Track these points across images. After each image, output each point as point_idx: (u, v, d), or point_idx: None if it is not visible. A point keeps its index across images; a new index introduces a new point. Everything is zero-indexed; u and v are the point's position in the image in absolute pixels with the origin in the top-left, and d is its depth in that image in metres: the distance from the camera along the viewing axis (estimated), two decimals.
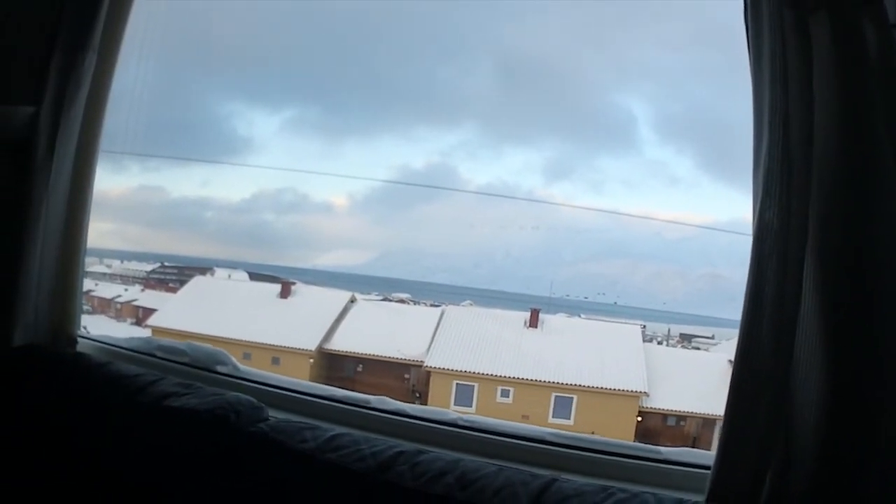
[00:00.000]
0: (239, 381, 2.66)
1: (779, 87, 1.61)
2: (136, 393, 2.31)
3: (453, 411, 2.39)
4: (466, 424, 2.31)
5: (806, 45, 1.60)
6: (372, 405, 2.45)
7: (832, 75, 1.58)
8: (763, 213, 1.62)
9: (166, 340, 2.99)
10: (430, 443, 2.15)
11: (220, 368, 2.74)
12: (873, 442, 1.56)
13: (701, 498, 1.70)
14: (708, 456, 1.76)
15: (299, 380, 2.71)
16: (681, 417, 8.89)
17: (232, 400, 2.22)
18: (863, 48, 1.56)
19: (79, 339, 2.91)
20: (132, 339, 3.02)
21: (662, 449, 2.13)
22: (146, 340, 3.02)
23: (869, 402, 1.56)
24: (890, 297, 1.54)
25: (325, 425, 2.13)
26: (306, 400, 2.54)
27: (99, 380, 2.44)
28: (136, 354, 2.90)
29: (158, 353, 2.88)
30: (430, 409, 2.43)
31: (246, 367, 2.77)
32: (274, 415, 2.27)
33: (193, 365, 2.78)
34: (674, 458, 2.09)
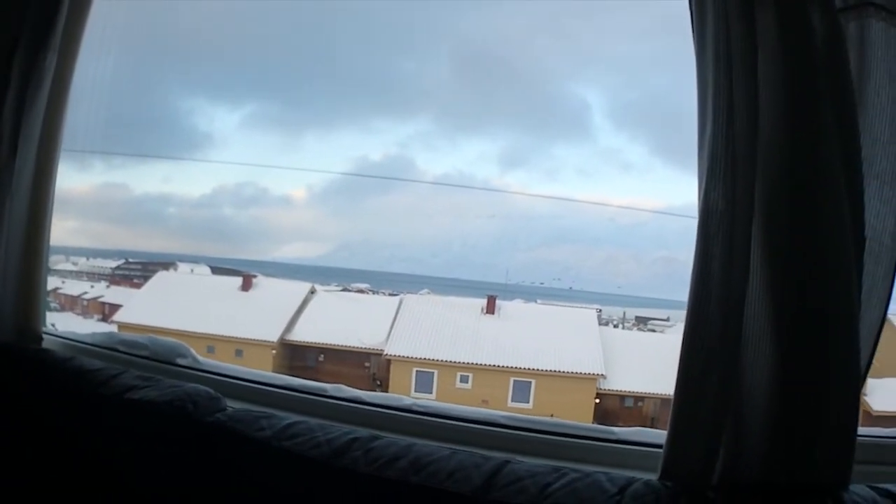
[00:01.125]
0: (198, 373, 2.66)
1: (722, 71, 1.62)
2: (99, 386, 2.31)
3: (409, 397, 2.39)
4: (421, 410, 2.32)
5: (751, 31, 1.61)
6: (329, 393, 2.45)
7: (777, 61, 1.60)
8: (708, 193, 1.63)
9: (128, 335, 2.99)
10: (385, 429, 2.15)
11: (180, 361, 2.73)
12: (822, 418, 1.58)
13: (655, 476, 1.71)
14: (661, 435, 1.74)
15: (257, 370, 2.72)
16: (638, 398, 8.96)
17: (190, 391, 2.22)
18: (809, 34, 1.57)
19: (44, 336, 2.90)
20: (95, 334, 3.01)
21: (616, 429, 2.15)
22: (109, 335, 3.00)
23: (817, 380, 1.58)
24: (835, 275, 1.57)
25: (281, 414, 2.13)
26: (264, 390, 2.54)
27: (63, 374, 2.43)
28: (99, 349, 2.89)
29: (121, 348, 2.87)
30: (386, 396, 2.43)
31: (206, 359, 2.77)
32: (232, 405, 2.27)
33: (154, 358, 2.78)
34: (628, 437, 2.11)
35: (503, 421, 2.24)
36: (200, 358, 2.77)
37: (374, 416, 2.33)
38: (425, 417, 2.29)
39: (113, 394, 2.26)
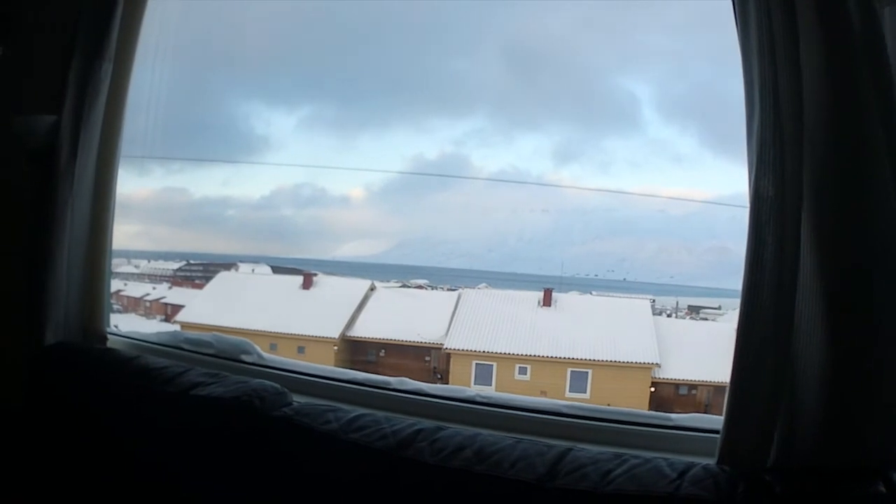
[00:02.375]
0: (264, 369, 2.66)
1: (766, 61, 1.62)
2: (165, 384, 2.32)
3: (471, 389, 2.38)
4: (484, 400, 2.31)
5: (792, 21, 1.59)
6: (392, 386, 2.45)
7: (818, 48, 1.58)
8: (758, 181, 1.62)
9: (192, 333, 3.02)
10: (449, 420, 2.14)
11: (245, 358, 2.74)
12: (873, 398, 1.57)
13: (712, 460, 1.70)
14: (717, 421, 1.74)
15: (322, 365, 2.72)
16: (692, 386, 8.85)
17: (256, 386, 2.22)
18: (847, 21, 1.55)
19: (109, 336, 2.94)
20: (160, 333, 3.04)
21: (673, 416, 2.13)
22: (173, 334, 3.04)
23: (868, 361, 1.56)
24: (883, 259, 1.55)
25: (347, 407, 2.14)
26: (329, 384, 2.54)
27: (128, 373, 2.46)
28: (163, 348, 2.92)
29: (185, 346, 2.90)
30: (449, 388, 2.41)
31: (270, 356, 2.77)
32: (298, 399, 2.27)
33: (219, 356, 2.79)
34: (685, 423, 2.09)
35: (565, 410, 2.22)
36: (265, 354, 2.77)
37: (438, 407, 2.32)
38: (488, 408, 2.28)
39: (179, 391, 2.28)
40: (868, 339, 1.56)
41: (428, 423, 1.98)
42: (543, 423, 2.19)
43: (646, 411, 2.17)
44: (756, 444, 1.64)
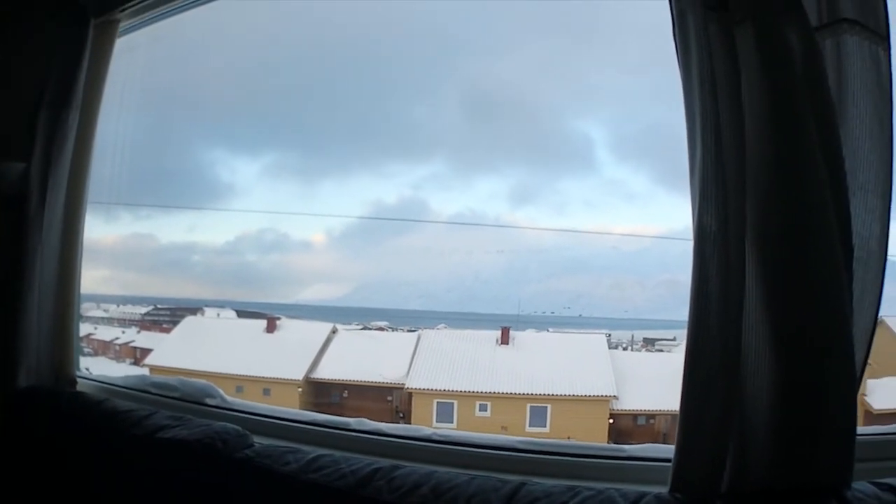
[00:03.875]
0: (227, 412, 2.67)
1: (708, 96, 1.64)
2: (132, 426, 2.33)
3: (429, 428, 2.39)
4: (440, 439, 2.31)
5: (732, 56, 1.63)
6: (352, 427, 2.45)
7: (760, 82, 1.60)
8: (702, 216, 1.65)
9: (159, 377, 3.02)
10: (406, 458, 2.14)
11: (209, 401, 2.75)
12: (822, 420, 1.57)
13: (666, 489, 1.70)
14: (671, 450, 1.73)
15: (283, 408, 2.72)
16: (650, 416, 8.94)
17: (219, 429, 2.22)
18: (788, 54, 1.58)
19: (78, 380, 2.95)
20: (128, 377, 3.04)
21: (627, 447, 2.13)
22: (141, 378, 3.03)
23: (816, 386, 1.57)
24: (826, 285, 1.56)
25: (307, 448, 2.13)
26: (290, 426, 2.55)
27: (97, 416, 2.46)
28: (131, 391, 2.92)
29: (152, 389, 2.90)
30: (406, 427, 2.41)
31: (233, 399, 2.78)
32: (259, 441, 2.27)
33: (184, 399, 2.79)
34: (638, 454, 2.09)
35: (519, 445, 2.23)
36: (228, 397, 2.78)
37: (396, 446, 2.33)
38: (444, 446, 2.28)
39: (145, 434, 2.28)
40: (814, 362, 1.57)
41: (385, 462, 1.98)
42: (499, 458, 2.20)
43: (599, 444, 2.19)
44: (708, 471, 1.64)
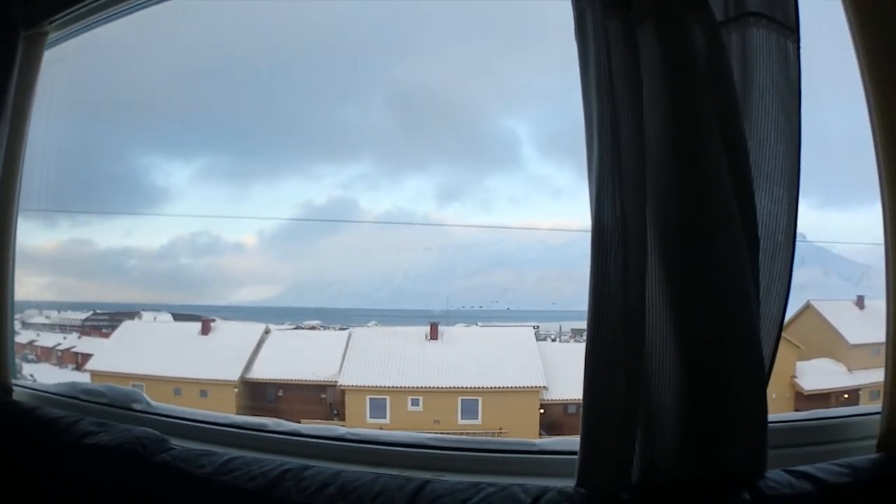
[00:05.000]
0: (151, 416, 2.69)
1: (605, 96, 1.64)
2: (61, 433, 2.35)
3: (342, 427, 2.44)
4: (353, 437, 2.35)
5: (633, 54, 1.63)
6: (268, 428, 2.48)
7: (660, 80, 1.62)
8: (599, 215, 1.65)
9: (89, 384, 3.05)
10: (319, 458, 2.19)
11: (135, 406, 2.76)
12: (729, 412, 1.60)
13: (573, 483, 1.71)
14: (576, 442, 1.72)
15: (203, 410, 2.74)
16: (580, 405, 9.05)
17: (139, 434, 2.26)
18: (691, 50, 1.60)
19: (14, 388, 2.93)
20: (60, 384, 3.05)
21: (537, 441, 2.17)
22: (72, 385, 3.03)
23: (721, 377, 1.60)
24: (729, 278, 1.59)
25: (221, 450, 2.16)
26: (209, 428, 2.57)
27: (29, 423, 2.48)
28: (63, 398, 2.92)
29: (82, 396, 2.90)
30: (321, 427, 2.46)
31: (157, 403, 2.80)
32: (179, 444, 2.29)
33: (112, 404, 2.80)
34: (548, 447, 2.13)
35: (430, 442, 2.26)
36: (153, 402, 2.80)
37: (309, 446, 2.36)
38: (355, 444, 2.32)
39: (72, 440, 2.30)
40: (718, 353, 1.59)
41: (294, 463, 2.01)
42: (407, 455, 2.23)
43: (509, 439, 2.23)
44: (616, 465, 1.64)
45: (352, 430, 2.39)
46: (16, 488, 2.34)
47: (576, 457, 1.76)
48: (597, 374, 1.65)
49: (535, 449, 2.14)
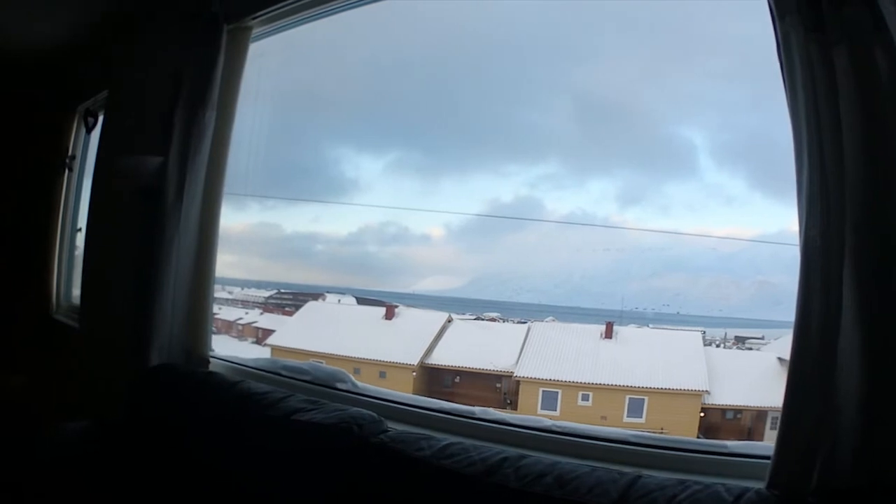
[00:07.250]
0: (358, 397, 2.70)
1: (812, 115, 1.62)
2: (267, 408, 2.37)
3: (548, 419, 2.39)
4: (560, 430, 2.30)
5: (832, 76, 1.59)
6: (477, 415, 2.46)
7: (854, 102, 1.57)
8: (808, 231, 1.63)
9: (290, 360, 3.05)
10: (529, 447, 2.16)
11: (339, 385, 2.77)
12: None
13: (762, 484, 1.69)
14: (766, 447, 1.78)
15: (411, 394, 2.78)
16: (738, 411, 8.73)
17: (354, 414, 2.26)
18: (878, 72, 1.55)
19: (211, 360, 3.01)
20: (259, 359, 3.10)
21: (728, 443, 2.11)
22: (272, 361, 3.09)
23: None
24: None
25: (438, 435, 2.16)
26: (418, 412, 2.56)
27: (231, 396, 2.51)
28: (263, 373, 2.97)
29: (283, 372, 2.94)
30: (527, 418, 2.42)
31: (363, 384, 2.81)
32: (392, 426, 2.30)
33: (315, 382, 2.82)
34: (738, 450, 2.06)
35: (631, 439, 2.22)
36: (359, 383, 2.81)
37: (518, 436, 2.32)
38: (564, 437, 2.28)
39: (281, 416, 2.32)
40: None
41: (512, 452, 1.99)
42: (612, 450, 2.19)
43: (703, 439, 2.16)
44: (801, 469, 1.62)
45: (558, 423, 2.35)
46: (213, 461, 2.37)
47: (759, 460, 1.88)
48: (798, 385, 1.65)
49: (726, 451, 2.09)
